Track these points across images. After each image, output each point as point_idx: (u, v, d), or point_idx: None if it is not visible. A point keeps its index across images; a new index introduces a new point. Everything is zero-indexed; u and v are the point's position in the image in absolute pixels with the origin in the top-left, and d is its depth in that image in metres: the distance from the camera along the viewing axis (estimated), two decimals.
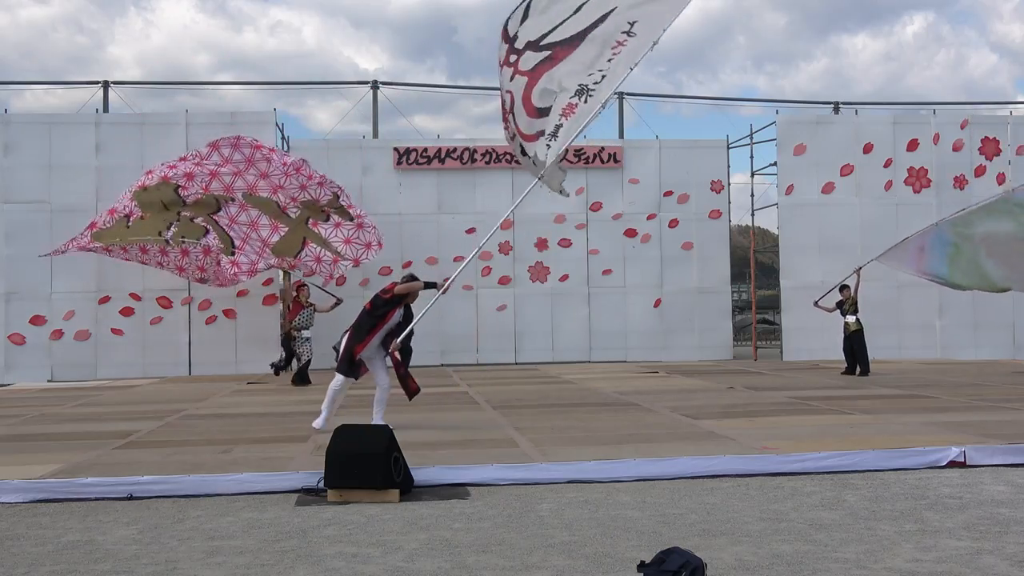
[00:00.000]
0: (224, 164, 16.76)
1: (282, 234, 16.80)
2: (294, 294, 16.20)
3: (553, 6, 10.09)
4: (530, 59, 10.03)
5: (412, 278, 9.35)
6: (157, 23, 71.84)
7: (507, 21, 10.35)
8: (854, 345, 15.87)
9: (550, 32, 10.01)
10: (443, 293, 9.28)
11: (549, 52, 9.98)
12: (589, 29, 9.82)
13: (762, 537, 5.13)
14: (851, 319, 15.91)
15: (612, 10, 9.68)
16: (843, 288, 16.10)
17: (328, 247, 16.87)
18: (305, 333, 15.74)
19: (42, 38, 66.82)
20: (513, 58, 10.11)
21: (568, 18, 9.96)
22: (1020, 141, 21.15)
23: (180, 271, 17.26)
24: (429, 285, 9.28)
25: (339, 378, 9.25)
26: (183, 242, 16.44)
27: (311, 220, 16.96)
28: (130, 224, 16.37)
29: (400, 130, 39.00)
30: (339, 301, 15.91)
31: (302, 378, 15.36)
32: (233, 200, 16.71)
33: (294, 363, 16.16)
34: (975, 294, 20.77)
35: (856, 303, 16.00)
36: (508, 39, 10.26)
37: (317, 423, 9.13)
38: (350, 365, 9.15)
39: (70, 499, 6.39)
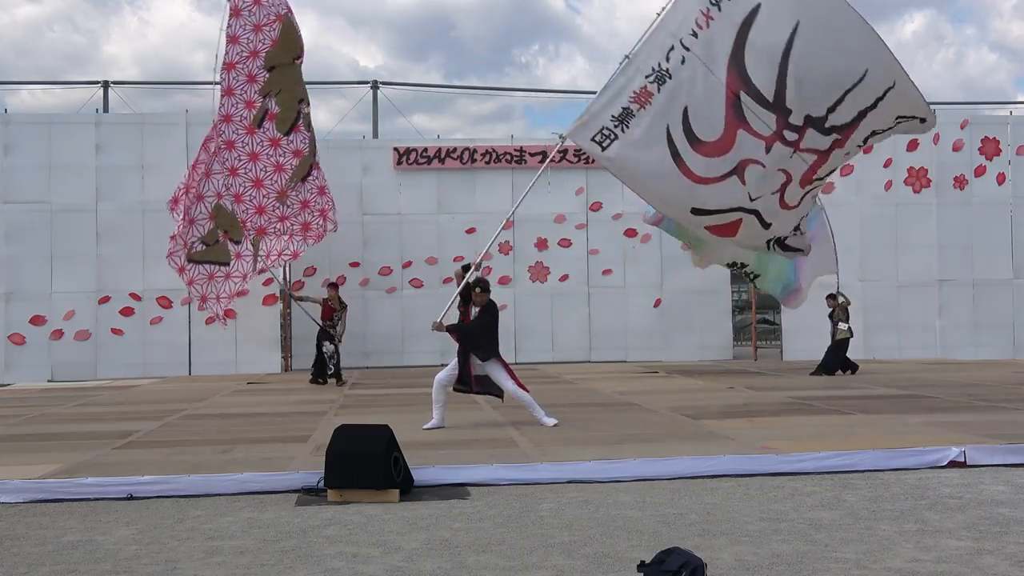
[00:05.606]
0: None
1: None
2: (325, 296, 15.87)
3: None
4: (815, 138, 9.26)
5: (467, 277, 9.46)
6: (153, 21, 71.82)
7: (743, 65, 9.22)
8: (839, 350, 15.91)
9: (832, 110, 9.27)
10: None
11: (837, 135, 9.36)
12: (866, 111, 9.26)
13: (762, 537, 5.13)
14: (843, 327, 15.93)
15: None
16: (829, 297, 16.17)
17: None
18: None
19: (38, 37, 66.72)
20: (783, 131, 9.18)
21: (844, 95, 9.22)
22: (1020, 141, 21.13)
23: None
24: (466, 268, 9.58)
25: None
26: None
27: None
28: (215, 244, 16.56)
29: (400, 130, 38.90)
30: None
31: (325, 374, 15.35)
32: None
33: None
34: (976, 293, 20.84)
35: (845, 310, 16.08)
36: (762, 101, 9.16)
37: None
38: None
39: (70, 499, 6.39)
